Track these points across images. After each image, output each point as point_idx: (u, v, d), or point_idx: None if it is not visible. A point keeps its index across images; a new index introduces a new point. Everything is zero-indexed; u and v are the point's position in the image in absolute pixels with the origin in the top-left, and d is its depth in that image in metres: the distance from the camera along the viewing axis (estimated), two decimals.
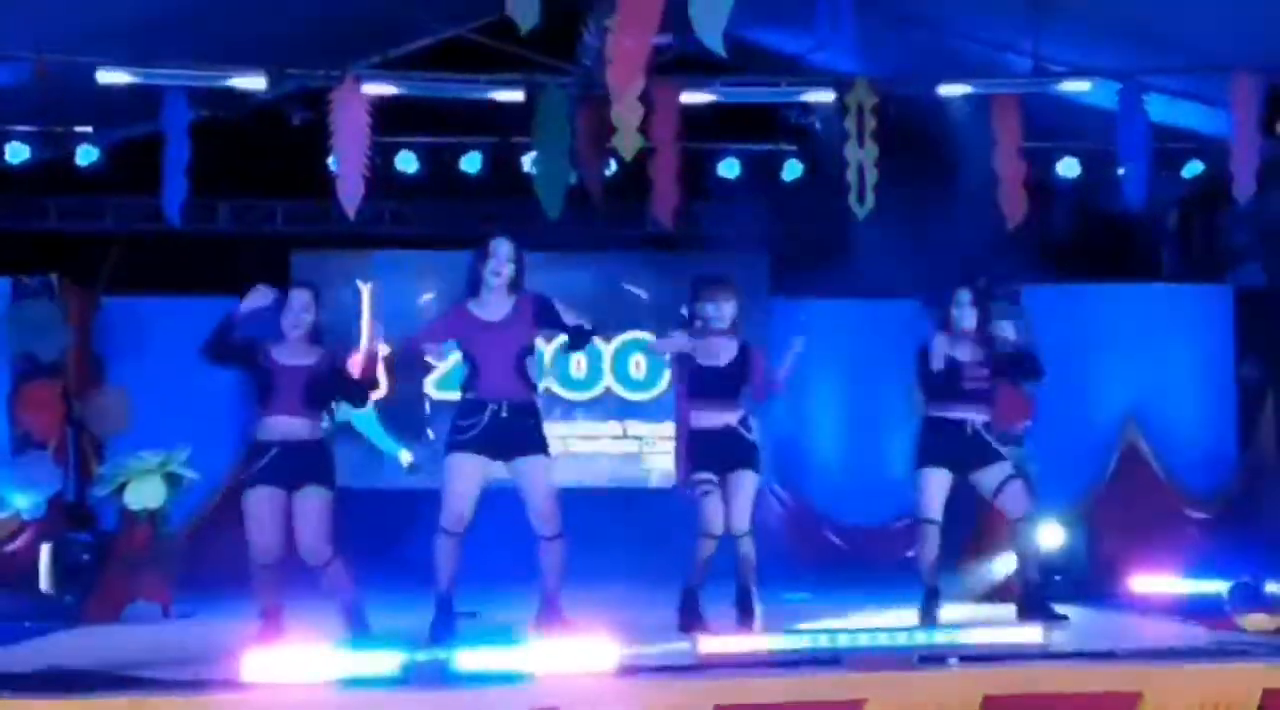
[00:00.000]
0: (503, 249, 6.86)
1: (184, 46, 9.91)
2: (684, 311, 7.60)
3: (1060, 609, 7.77)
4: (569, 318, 6.90)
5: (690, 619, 7.33)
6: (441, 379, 12.23)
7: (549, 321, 6.95)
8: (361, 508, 11.46)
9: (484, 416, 6.76)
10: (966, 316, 7.82)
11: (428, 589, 6.97)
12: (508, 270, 6.85)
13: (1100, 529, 10.49)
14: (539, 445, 6.87)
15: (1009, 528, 7.97)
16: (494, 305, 6.88)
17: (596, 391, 12.64)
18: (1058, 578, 9.72)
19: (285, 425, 6.95)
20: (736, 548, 7.45)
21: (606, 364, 12.66)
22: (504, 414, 6.77)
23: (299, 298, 7.11)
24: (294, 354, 7.04)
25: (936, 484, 7.72)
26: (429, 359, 8.85)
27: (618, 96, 7.56)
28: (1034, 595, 7.74)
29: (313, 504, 6.93)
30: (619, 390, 12.68)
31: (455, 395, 7.29)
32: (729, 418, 7.43)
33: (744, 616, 7.37)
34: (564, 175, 10.24)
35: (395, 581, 8.47)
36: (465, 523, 6.79)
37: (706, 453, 7.38)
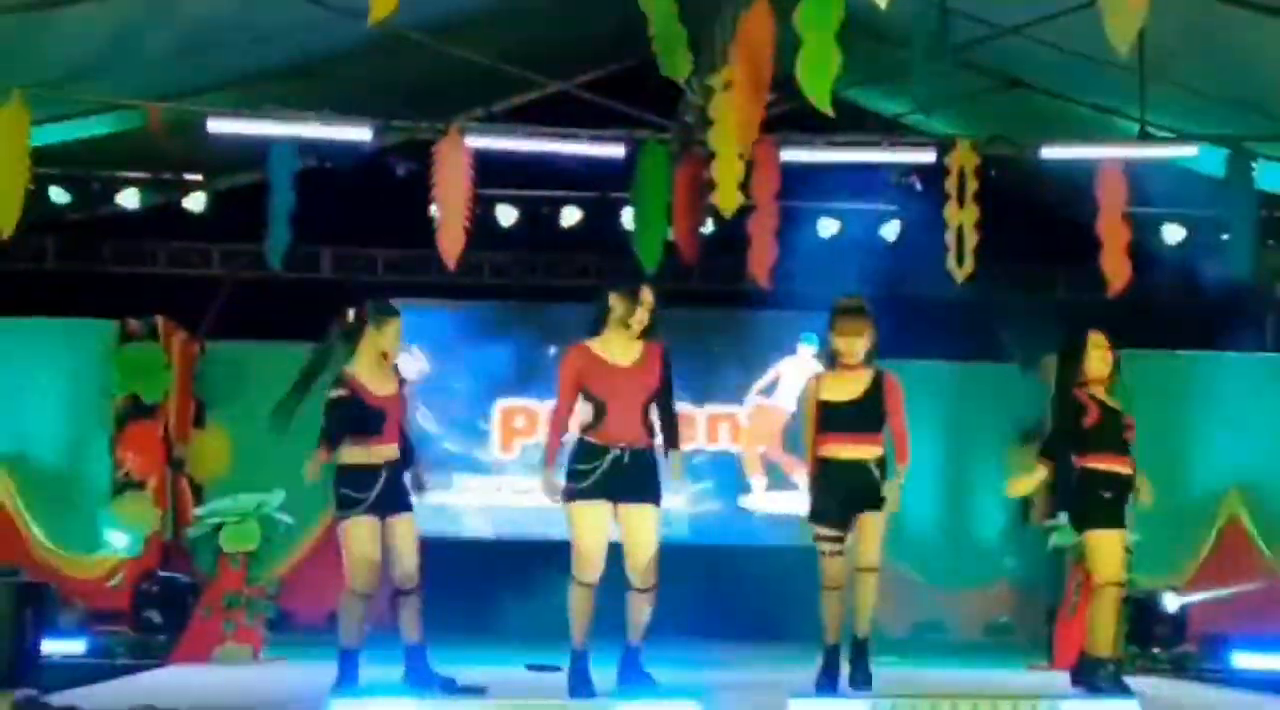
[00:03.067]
0: (650, 297, 6.74)
1: (292, 97, 10.09)
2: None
3: (1159, 682, 7.55)
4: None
5: (828, 679, 6.84)
6: None
7: (667, 385, 6.78)
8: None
9: (605, 461, 6.56)
10: (1106, 361, 7.19)
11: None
12: (649, 319, 6.73)
13: (1201, 601, 10.28)
14: (653, 494, 6.68)
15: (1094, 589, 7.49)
16: (621, 349, 6.68)
17: None
18: (1157, 650, 9.56)
19: (389, 451, 6.91)
20: (854, 585, 6.85)
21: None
22: (626, 459, 6.58)
23: (398, 327, 7.04)
24: (385, 384, 6.99)
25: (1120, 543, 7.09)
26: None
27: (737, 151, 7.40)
28: (1106, 671, 7.30)
29: (410, 527, 6.92)
30: None
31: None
32: (863, 453, 6.85)
33: (858, 675, 6.78)
34: (662, 230, 10.26)
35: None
36: (600, 572, 6.55)
37: (832, 491, 6.85)
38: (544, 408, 12.92)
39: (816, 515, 6.89)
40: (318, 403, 6.91)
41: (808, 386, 7.07)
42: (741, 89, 7.27)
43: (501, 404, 13.09)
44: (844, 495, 6.84)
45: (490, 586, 11.80)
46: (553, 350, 12.43)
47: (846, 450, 6.84)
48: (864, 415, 6.88)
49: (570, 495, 6.56)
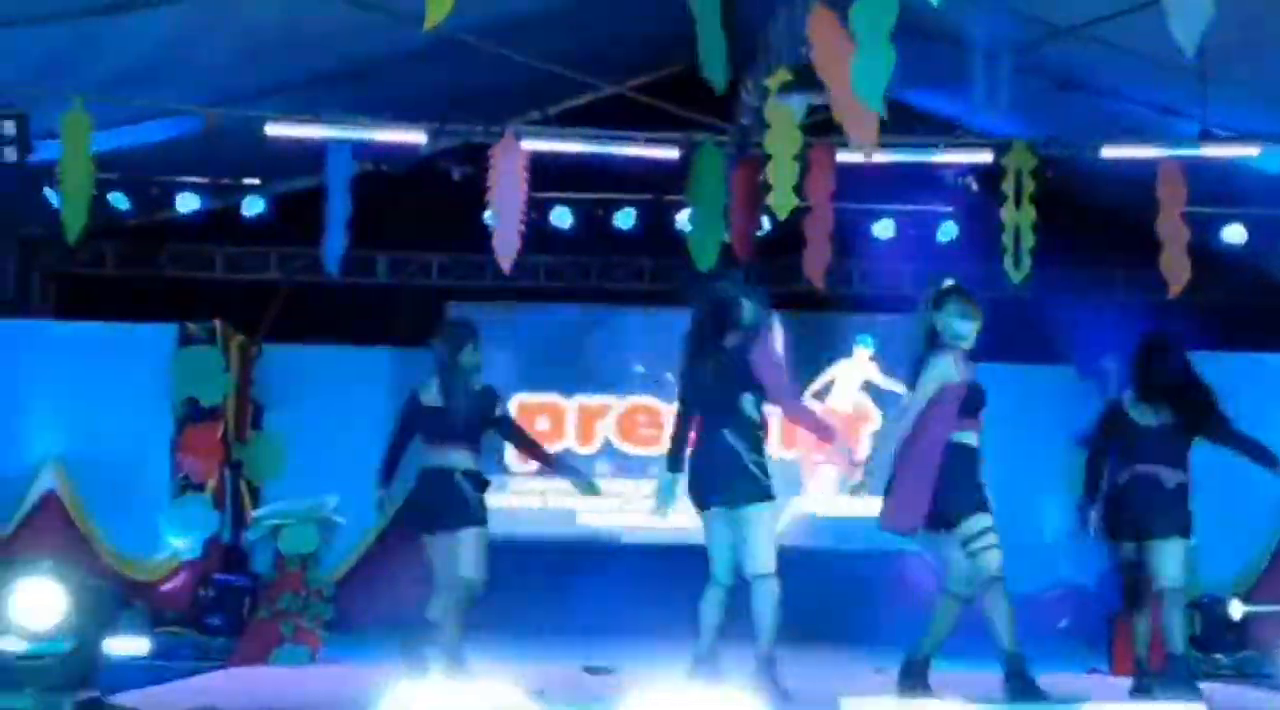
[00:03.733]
0: None
1: (348, 101, 10.14)
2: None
3: (1220, 687, 7.45)
4: None
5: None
6: None
7: None
8: None
9: None
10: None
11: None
12: None
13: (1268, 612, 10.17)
14: None
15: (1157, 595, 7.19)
16: None
17: None
18: (1219, 656, 9.46)
19: None
20: (941, 610, 6.91)
21: None
22: None
23: None
24: None
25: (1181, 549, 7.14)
26: None
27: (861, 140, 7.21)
28: (1180, 668, 7.03)
29: None
30: None
31: None
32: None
33: (917, 688, 6.65)
34: (718, 233, 10.24)
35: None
36: None
37: (980, 484, 6.60)
38: (571, 405, 12.94)
39: (984, 504, 6.56)
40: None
41: (940, 366, 6.54)
42: (839, 93, 7.05)
43: (520, 399, 12.66)
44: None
45: (532, 585, 11.82)
46: (611, 352, 12.48)
47: (975, 438, 6.58)
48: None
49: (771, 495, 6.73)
